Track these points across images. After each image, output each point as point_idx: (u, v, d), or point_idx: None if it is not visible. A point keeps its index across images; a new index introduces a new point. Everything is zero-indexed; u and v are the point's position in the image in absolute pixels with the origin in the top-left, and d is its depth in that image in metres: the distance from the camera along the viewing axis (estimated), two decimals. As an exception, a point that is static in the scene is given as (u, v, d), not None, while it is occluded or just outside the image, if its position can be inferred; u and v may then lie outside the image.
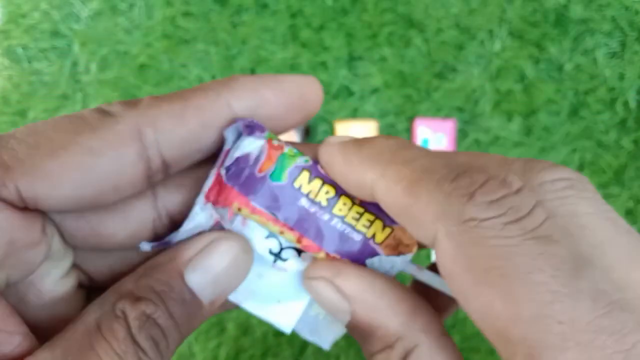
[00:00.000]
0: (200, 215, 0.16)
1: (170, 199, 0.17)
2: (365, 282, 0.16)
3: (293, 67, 0.72)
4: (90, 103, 0.72)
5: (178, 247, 0.16)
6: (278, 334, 0.70)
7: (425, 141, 0.70)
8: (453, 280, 0.13)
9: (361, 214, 0.17)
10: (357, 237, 0.17)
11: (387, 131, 0.72)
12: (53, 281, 0.16)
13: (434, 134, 0.70)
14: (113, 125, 0.15)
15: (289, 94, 0.16)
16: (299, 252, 0.18)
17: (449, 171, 0.14)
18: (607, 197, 0.72)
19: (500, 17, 0.73)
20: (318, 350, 0.69)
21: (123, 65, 0.73)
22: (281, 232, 0.17)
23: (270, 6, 0.73)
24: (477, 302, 0.12)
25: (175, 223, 0.17)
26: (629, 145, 0.72)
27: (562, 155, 0.72)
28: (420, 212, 0.14)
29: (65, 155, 0.14)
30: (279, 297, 0.18)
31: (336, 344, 0.68)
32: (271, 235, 0.17)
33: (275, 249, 0.18)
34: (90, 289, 0.18)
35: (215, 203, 0.16)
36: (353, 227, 0.17)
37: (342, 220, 0.17)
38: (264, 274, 0.18)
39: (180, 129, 0.15)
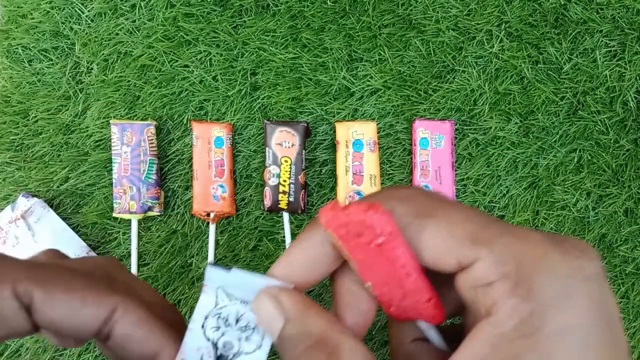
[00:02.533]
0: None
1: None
2: (300, 300, 0.22)
3: (293, 68, 0.73)
4: (92, 104, 0.73)
5: None
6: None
7: (425, 141, 0.70)
8: None
9: None
10: None
11: (386, 131, 0.73)
12: None
13: (433, 135, 0.70)
14: (108, 293, 0.22)
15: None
16: None
17: None
18: (606, 197, 0.72)
19: (499, 18, 0.73)
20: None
21: (125, 66, 0.73)
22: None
23: (271, 8, 0.73)
24: None
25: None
26: (628, 145, 0.72)
27: (561, 156, 0.72)
28: None
29: (68, 293, 0.21)
30: None
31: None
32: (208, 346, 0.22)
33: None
34: None
35: None
36: None
37: None
38: None
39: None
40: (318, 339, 0.20)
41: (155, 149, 0.71)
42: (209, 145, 0.70)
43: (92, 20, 0.73)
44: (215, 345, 0.21)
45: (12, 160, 0.73)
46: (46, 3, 0.73)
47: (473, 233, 0.19)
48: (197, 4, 0.73)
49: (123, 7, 0.73)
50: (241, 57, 0.73)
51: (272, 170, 0.70)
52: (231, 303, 0.22)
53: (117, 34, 0.73)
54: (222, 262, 0.71)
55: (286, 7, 0.73)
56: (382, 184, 0.71)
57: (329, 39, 0.73)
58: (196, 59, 0.73)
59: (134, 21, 0.73)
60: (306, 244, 0.22)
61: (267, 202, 0.70)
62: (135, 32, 0.73)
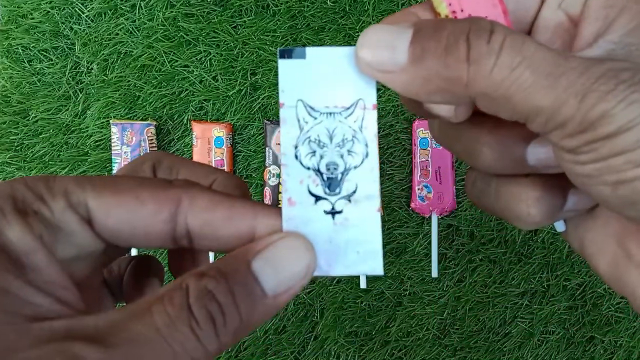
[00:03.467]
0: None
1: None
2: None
3: (293, 68, 0.73)
4: (92, 104, 0.73)
5: (252, 243, 0.18)
6: (279, 331, 0.70)
7: (425, 141, 0.70)
8: None
9: None
10: None
11: (386, 131, 0.73)
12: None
13: (433, 134, 0.70)
14: (166, 187, 0.19)
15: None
16: (349, 198, 0.19)
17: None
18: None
19: (499, 18, 0.73)
20: (319, 347, 0.69)
21: (124, 66, 0.73)
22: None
23: (271, 8, 0.73)
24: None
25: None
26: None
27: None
28: None
29: (119, 195, 0.18)
30: (356, 249, 0.19)
31: (336, 342, 0.68)
32: (319, 199, 0.19)
33: (329, 209, 0.19)
34: None
35: None
36: None
37: None
38: (332, 237, 0.19)
39: (208, 213, 0.19)
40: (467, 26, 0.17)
41: (155, 149, 0.71)
42: (209, 145, 0.70)
43: (92, 20, 0.73)
44: (318, 171, 0.19)
45: (12, 160, 0.73)
46: (46, 3, 0.73)
47: None
48: (197, 4, 0.73)
49: (123, 7, 0.73)
50: (241, 57, 0.73)
51: (272, 170, 0.70)
52: (316, 121, 0.19)
53: (117, 34, 0.73)
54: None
55: (286, 7, 0.73)
56: (382, 184, 0.71)
57: (329, 39, 0.73)
58: (196, 59, 0.73)
59: (134, 21, 0.73)
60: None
61: (267, 202, 0.70)
62: (135, 32, 0.73)
